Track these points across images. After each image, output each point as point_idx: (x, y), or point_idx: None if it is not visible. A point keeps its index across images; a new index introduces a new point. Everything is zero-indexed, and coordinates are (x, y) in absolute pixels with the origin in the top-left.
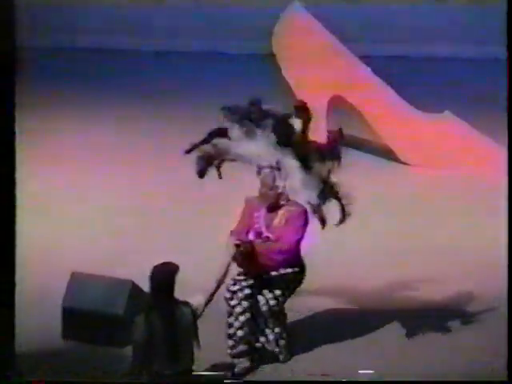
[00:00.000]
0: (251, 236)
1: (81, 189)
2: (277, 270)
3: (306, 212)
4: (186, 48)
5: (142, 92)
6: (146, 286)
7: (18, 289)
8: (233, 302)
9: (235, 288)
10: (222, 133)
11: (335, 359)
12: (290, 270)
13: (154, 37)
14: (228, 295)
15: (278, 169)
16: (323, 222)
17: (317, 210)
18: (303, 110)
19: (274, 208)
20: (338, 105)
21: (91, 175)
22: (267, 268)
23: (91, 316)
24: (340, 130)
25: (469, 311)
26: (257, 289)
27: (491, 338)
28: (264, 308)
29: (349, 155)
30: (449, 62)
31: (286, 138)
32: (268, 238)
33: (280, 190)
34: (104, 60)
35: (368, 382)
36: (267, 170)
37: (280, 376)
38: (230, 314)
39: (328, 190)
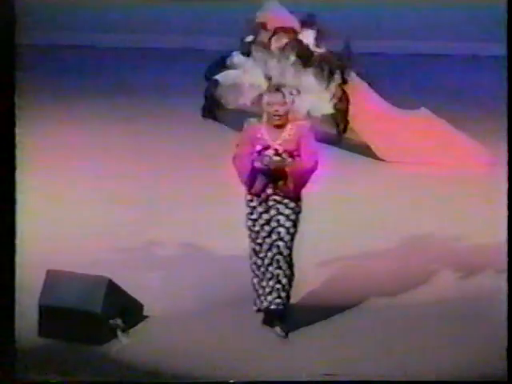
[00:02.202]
0: (258, 148)
1: (81, 188)
2: (301, 189)
3: (313, 127)
4: (161, 44)
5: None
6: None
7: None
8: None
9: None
10: (219, 63)
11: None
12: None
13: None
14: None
15: (284, 86)
16: (339, 131)
17: (332, 119)
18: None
19: (280, 126)
20: None
21: (92, 174)
22: (296, 187)
23: (68, 314)
24: (347, 43)
25: (468, 311)
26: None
27: (491, 338)
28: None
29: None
30: (436, 60)
31: (304, 54)
32: (276, 150)
33: (289, 106)
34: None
35: (368, 381)
36: (273, 91)
37: (280, 376)
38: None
39: (340, 101)
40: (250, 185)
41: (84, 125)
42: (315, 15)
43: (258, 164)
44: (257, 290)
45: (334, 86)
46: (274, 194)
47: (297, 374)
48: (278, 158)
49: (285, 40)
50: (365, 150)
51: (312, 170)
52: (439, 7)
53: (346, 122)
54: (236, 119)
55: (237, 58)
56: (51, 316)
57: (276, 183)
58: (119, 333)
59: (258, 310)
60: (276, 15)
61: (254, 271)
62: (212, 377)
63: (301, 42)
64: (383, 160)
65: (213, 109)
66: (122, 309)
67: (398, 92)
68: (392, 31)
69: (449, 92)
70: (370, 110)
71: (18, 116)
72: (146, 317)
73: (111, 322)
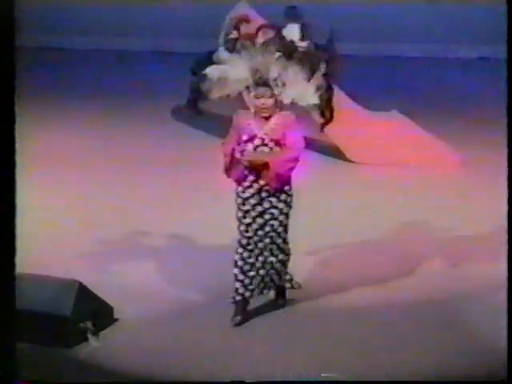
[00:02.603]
0: (245, 137)
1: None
2: (286, 179)
3: (298, 117)
4: (137, 47)
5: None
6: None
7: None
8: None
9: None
10: (206, 59)
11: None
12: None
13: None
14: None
15: (270, 79)
16: (327, 119)
17: (318, 109)
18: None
19: (267, 117)
20: None
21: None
22: (280, 177)
23: (39, 317)
24: (332, 35)
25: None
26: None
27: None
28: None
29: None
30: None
31: (287, 50)
32: (263, 139)
33: (277, 98)
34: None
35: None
36: (260, 84)
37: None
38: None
39: (325, 91)
40: (229, 173)
41: (72, 129)
42: (298, 8)
43: (238, 155)
44: (241, 281)
45: (318, 77)
46: (267, 185)
47: (279, 373)
48: (253, 154)
49: (268, 35)
50: (335, 153)
51: (296, 159)
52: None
53: (332, 110)
54: (221, 112)
55: (222, 53)
56: (23, 320)
57: (260, 174)
58: (89, 336)
59: (234, 302)
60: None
61: (236, 262)
62: (187, 377)
63: (283, 37)
64: (353, 162)
65: (197, 102)
66: (92, 312)
67: (369, 94)
68: (362, 32)
69: (419, 94)
70: (340, 112)
71: (18, 120)
72: (116, 320)
73: (81, 325)
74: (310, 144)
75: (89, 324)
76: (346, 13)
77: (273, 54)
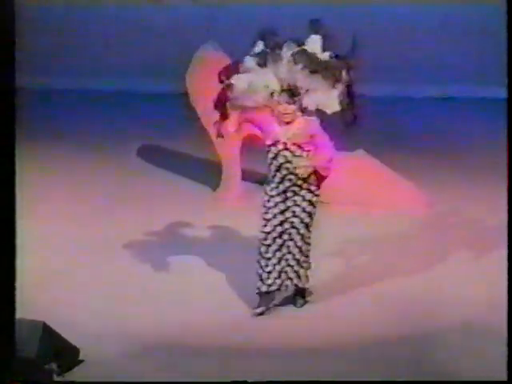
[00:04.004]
0: (268, 142)
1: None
2: (324, 179)
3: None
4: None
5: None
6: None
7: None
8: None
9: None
10: (233, 68)
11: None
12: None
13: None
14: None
15: (294, 87)
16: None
17: (343, 114)
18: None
19: (289, 122)
20: (252, 143)
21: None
22: (323, 180)
23: None
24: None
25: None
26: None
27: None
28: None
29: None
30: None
31: (311, 62)
32: (285, 144)
33: (298, 105)
34: None
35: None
36: (284, 91)
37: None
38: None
39: (347, 96)
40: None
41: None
42: (320, 20)
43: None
44: (259, 275)
45: (340, 85)
46: (293, 185)
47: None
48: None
49: (293, 49)
50: None
51: (331, 160)
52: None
53: (354, 117)
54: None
55: (249, 62)
56: None
57: (297, 176)
58: (55, 377)
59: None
60: (213, 55)
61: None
62: None
63: (307, 51)
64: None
65: (226, 110)
66: (57, 352)
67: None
68: None
69: (386, 134)
70: None
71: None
72: (82, 361)
73: (46, 366)
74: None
75: (53, 365)
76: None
77: (298, 66)
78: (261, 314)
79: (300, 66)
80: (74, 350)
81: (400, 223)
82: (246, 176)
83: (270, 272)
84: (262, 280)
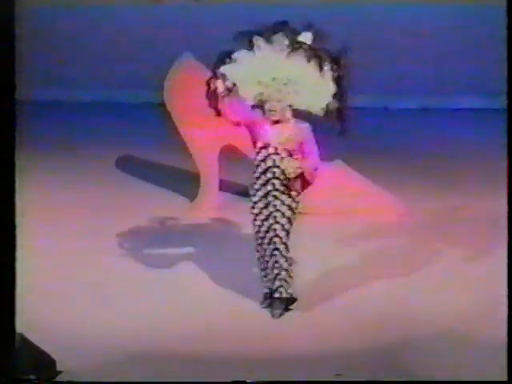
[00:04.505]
0: (260, 144)
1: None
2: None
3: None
4: (76, 98)
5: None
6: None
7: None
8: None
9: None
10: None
11: None
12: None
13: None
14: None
15: (284, 83)
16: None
17: (337, 113)
18: None
19: (277, 121)
20: (229, 154)
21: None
22: (307, 185)
23: None
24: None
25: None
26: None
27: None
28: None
29: (243, 203)
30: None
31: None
32: (276, 148)
33: (287, 103)
34: None
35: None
36: (272, 88)
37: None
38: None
39: (339, 96)
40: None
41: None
42: (312, 24)
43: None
44: (264, 276)
45: (327, 81)
46: (275, 190)
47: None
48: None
49: (284, 39)
50: None
51: (316, 169)
52: None
53: (343, 121)
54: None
55: (241, 53)
56: None
57: (280, 180)
58: None
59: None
60: (190, 65)
61: (259, 260)
62: None
63: (299, 41)
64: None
65: (217, 101)
66: (35, 364)
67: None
68: None
69: (361, 143)
70: None
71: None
72: (60, 372)
73: (24, 378)
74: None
75: (31, 377)
76: None
77: (284, 52)
78: (275, 316)
79: (286, 51)
80: (51, 361)
81: (377, 232)
82: (224, 187)
83: (266, 275)
84: (263, 282)
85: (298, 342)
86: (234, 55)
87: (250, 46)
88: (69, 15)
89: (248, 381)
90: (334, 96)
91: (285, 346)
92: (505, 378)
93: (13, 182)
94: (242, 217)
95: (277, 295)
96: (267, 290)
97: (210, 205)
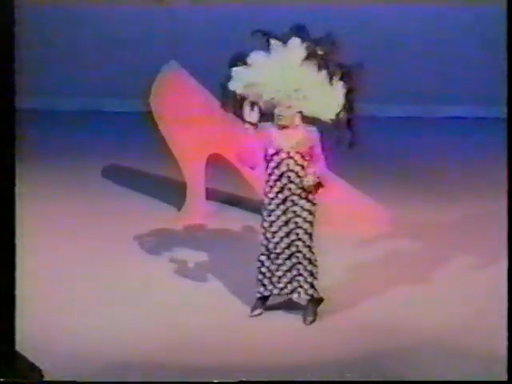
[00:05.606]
0: (271, 151)
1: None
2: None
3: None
4: (62, 107)
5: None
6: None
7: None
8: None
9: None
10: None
11: None
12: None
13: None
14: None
15: (295, 90)
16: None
17: (342, 126)
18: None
19: (285, 127)
20: (216, 162)
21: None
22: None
23: None
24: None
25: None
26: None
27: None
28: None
29: (228, 211)
30: None
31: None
32: (288, 152)
33: (297, 110)
34: None
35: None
36: (282, 93)
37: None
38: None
39: (348, 107)
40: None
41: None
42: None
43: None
44: (269, 278)
45: (340, 94)
46: (292, 194)
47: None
48: (310, 183)
49: (301, 45)
50: None
51: (324, 173)
52: None
53: (353, 132)
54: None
55: (256, 56)
56: None
57: (295, 184)
58: None
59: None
60: (176, 74)
61: (263, 262)
62: None
63: (314, 51)
64: None
65: (232, 103)
66: (21, 374)
67: None
68: None
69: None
70: None
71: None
72: (48, 382)
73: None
74: (242, 203)
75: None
76: None
77: (298, 58)
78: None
79: (301, 58)
80: (37, 371)
81: (366, 242)
82: (211, 195)
83: (280, 277)
84: (272, 284)
85: (306, 350)
86: (249, 57)
87: (266, 48)
88: (53, 22)
89: (248, 380)
90: (344, 107)
91: (286, 355)
92: (505, 378)
93: (13, 185)
94: (230, 225)
95: (295, 295)
96: (260, 295)
97: (197, 213)
